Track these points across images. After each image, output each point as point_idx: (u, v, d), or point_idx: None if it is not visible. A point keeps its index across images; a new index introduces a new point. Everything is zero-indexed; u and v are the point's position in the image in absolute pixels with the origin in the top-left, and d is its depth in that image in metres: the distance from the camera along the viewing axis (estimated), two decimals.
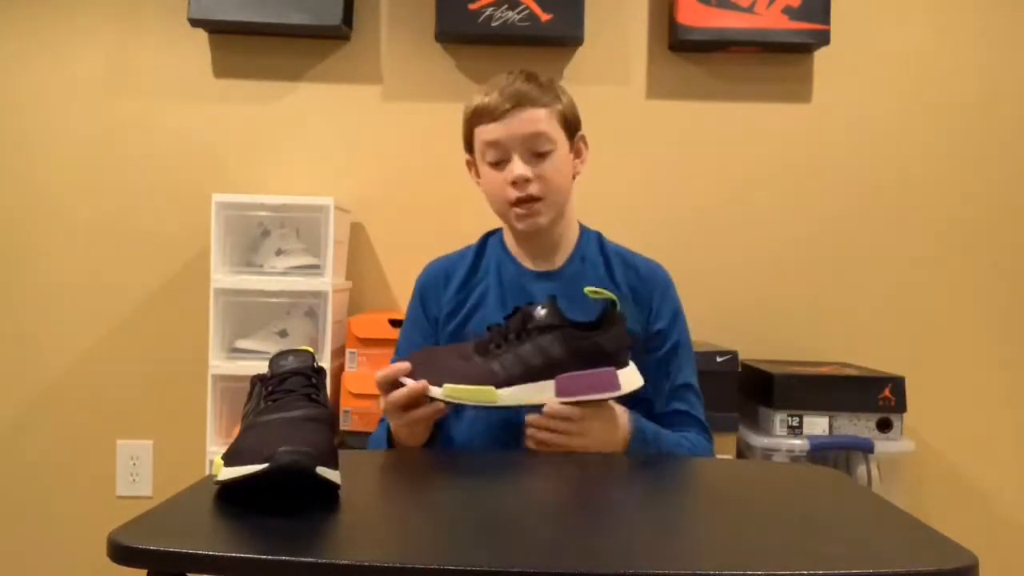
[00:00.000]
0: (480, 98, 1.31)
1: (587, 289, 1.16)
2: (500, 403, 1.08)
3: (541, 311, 1.11)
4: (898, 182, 2.20)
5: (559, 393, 1.10)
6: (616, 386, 1.11)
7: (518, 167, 1.28)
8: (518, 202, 1.30)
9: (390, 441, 1.24)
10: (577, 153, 1.37)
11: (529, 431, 1.16)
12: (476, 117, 1.32)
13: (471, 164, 1.39)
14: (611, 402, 1.17)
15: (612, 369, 1.12)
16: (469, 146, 1.37)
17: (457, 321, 1.35)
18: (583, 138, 1.39)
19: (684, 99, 2.19)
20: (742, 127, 2.19)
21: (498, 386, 1.08)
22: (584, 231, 1.42)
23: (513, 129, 1.28)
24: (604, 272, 1.37)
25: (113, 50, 2.17)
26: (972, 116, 2.20)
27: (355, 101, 2.18)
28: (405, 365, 1.12)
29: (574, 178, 1.38)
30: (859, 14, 2.18)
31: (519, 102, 1.28)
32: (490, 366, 1.10)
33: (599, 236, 1.43)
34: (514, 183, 1.28)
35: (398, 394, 1.11)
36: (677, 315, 1.37)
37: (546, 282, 1.36)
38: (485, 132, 1.31)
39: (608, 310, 1.14)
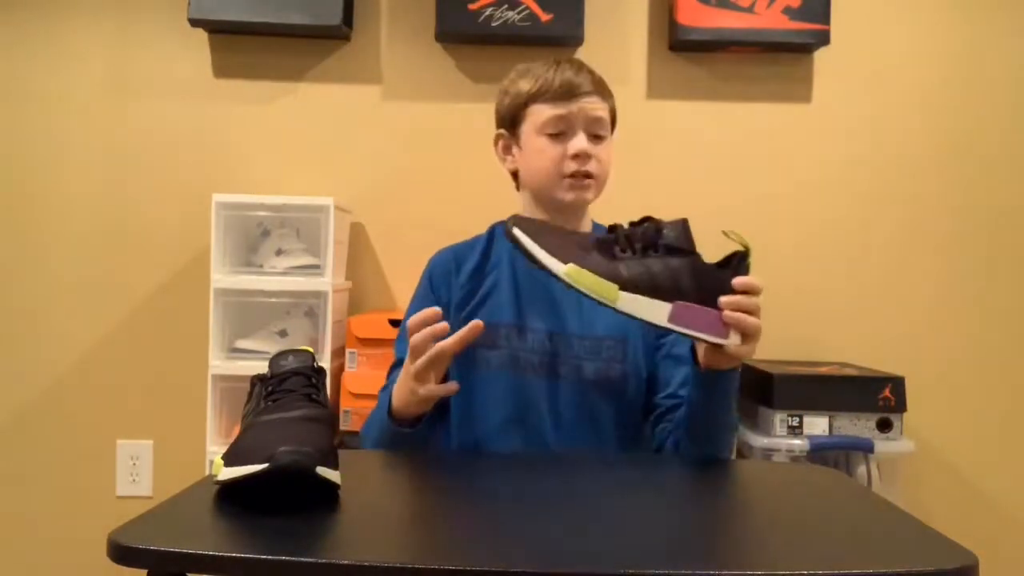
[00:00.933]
0: (539, 78, 1.32)
1: (725, 231, 1.12)
2: (617, 305, 1.04)
3: (672, 231, 1.07)
4: (898, 182, 2.20)
5: (671, 319, 1.05)
6: (726, 335, 1.08)
7: (583, 141, 1.30)
8: (573, 175, 1.32)
9: (390, 411, 1.22)
10: None
11: (728, 315, 1.08)
12: (538, 95, 1.33)
13: (500, 138, 1.40)
14: None
15: None
16: (509, 122, 1.38)
17: (467, 311, 1.35)
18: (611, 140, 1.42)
19: (684, 99, 2.19)
20: (742, 127, 2.19)
21: (622, 288, 1.04)
22: (596, 227, 1.43)
23: (581, 108, 1.31)
24: None
25: (113, 50, 2.17)
26: (973, 115, 2.20)
27: (355, 101, 2.18)
28: (436, 310, 1.13)
29: None
30: (859, 14, 2.18)
31: (586, 90, 1.32)
32: (616, 266, 1.05)
33: None
34: (576, 156, 1.31)
35: (426, 314, 1.12)
36: None
37: None
38: (548, 108, 1.32)
39: (739, 257, 1.09)
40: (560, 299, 1.33)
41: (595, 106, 1.32)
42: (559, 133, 1.32)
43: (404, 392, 1.20)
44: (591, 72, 1.35)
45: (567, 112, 1.31)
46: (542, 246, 1.06)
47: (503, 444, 1.28)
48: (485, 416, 1.30)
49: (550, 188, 1.35)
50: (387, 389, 1.30)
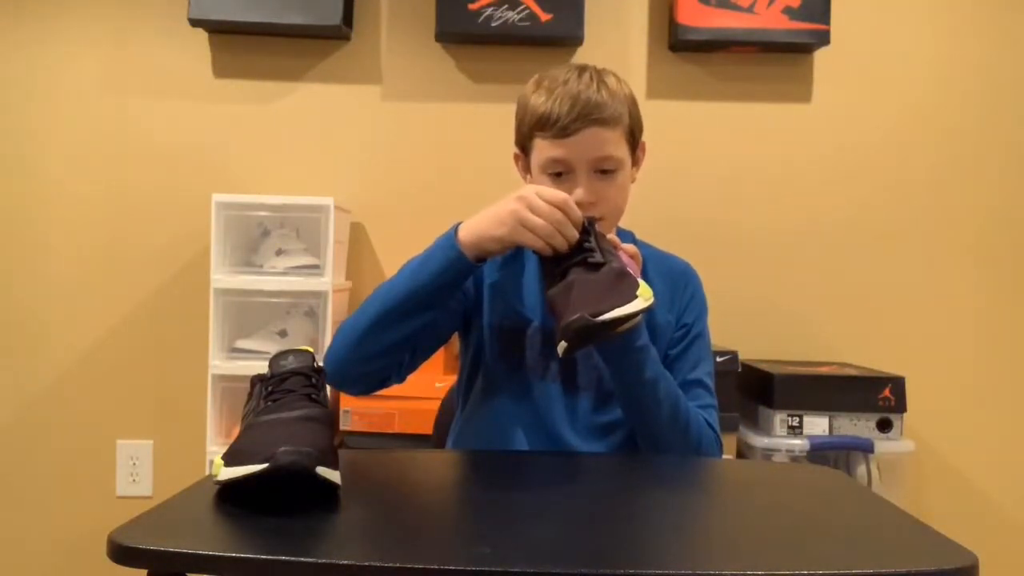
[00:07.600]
0: (544, 102, 1.23)
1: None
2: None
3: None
4: (898, 182, 2.20)
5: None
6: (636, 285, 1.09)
7: (581, 192, 1.22)
8: None
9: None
10: (636, 162, 1.33)
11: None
12: (539, 126, 1.23)
13: (519, 159, 1.33)
14: None
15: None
16: (521, 147, 1.30)
17: (499, 298, 1.30)
18: (643, 145, 1.34)
19: (684, 99, 2.19)
20: (742, 127, 2.19)
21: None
22: (619, 231, 1.37)
23: (580, 150, 1.22)
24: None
25: (113, 50, 2.17)
26: (972, 116, 2.20)
27: (355, 101, 2.18)
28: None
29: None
30: (859, 14, 2.18)
31: (590, 121, 1.21)
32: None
33: (632, 236, 1.40)
34: (578, 203, 1.22)
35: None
36: (702, 313, 1.35)
37: None
38: (548, 147, 1.23)
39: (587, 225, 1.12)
40: None
41: (601, 139, 1.22)
42: (559, 173, 1.23)
43: (490, 219, 1.14)
44: (601, 87, 1.23)
45: (566, 155, 1.22)
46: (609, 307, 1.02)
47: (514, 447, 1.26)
48: (499, 422, 1.27)
49: None
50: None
